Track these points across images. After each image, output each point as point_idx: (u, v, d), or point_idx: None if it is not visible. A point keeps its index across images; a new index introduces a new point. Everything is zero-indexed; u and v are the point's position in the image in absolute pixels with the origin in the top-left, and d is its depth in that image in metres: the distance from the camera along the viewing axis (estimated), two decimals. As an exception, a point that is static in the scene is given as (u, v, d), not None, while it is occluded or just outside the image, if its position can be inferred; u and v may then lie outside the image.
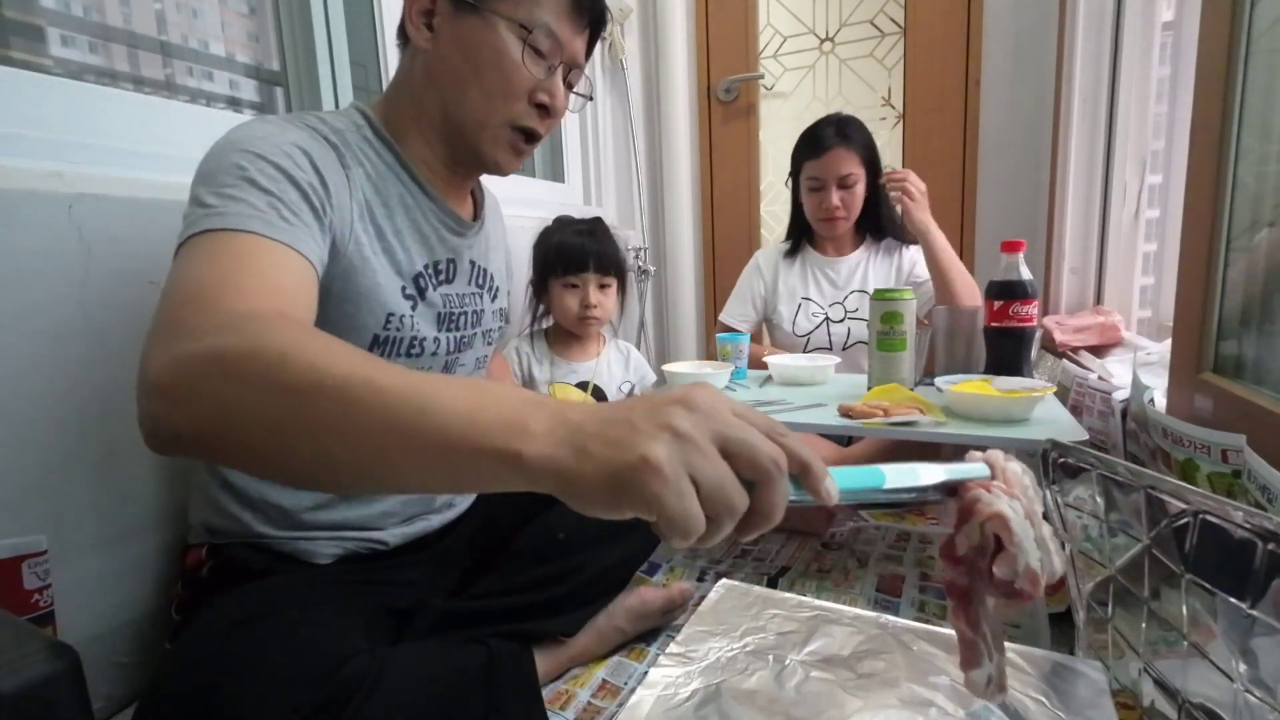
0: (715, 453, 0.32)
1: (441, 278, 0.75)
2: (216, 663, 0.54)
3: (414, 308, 0.72)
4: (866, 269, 1.49)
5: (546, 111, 0.70)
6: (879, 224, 1.49)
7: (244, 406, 0.37)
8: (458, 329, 0.78)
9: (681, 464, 0.31)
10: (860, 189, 1.41)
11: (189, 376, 0.39)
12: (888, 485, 0.40)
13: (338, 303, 0.64)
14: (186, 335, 0.41)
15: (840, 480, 0.36)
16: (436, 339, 0.74)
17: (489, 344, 0.86)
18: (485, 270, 0.82)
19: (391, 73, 1.23)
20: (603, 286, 1.29)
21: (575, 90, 0.75)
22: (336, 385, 0.35)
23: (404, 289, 0.70)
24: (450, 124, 0.70)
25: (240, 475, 0.69)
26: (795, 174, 1.47)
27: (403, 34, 0.71)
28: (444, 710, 0.60)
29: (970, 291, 1.30)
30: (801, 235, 1.55)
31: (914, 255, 1.51)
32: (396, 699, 0.56)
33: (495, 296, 0.85)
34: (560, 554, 0.80)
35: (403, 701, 0.57)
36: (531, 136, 0.71)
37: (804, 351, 1.48)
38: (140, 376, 0.41)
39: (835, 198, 1.39)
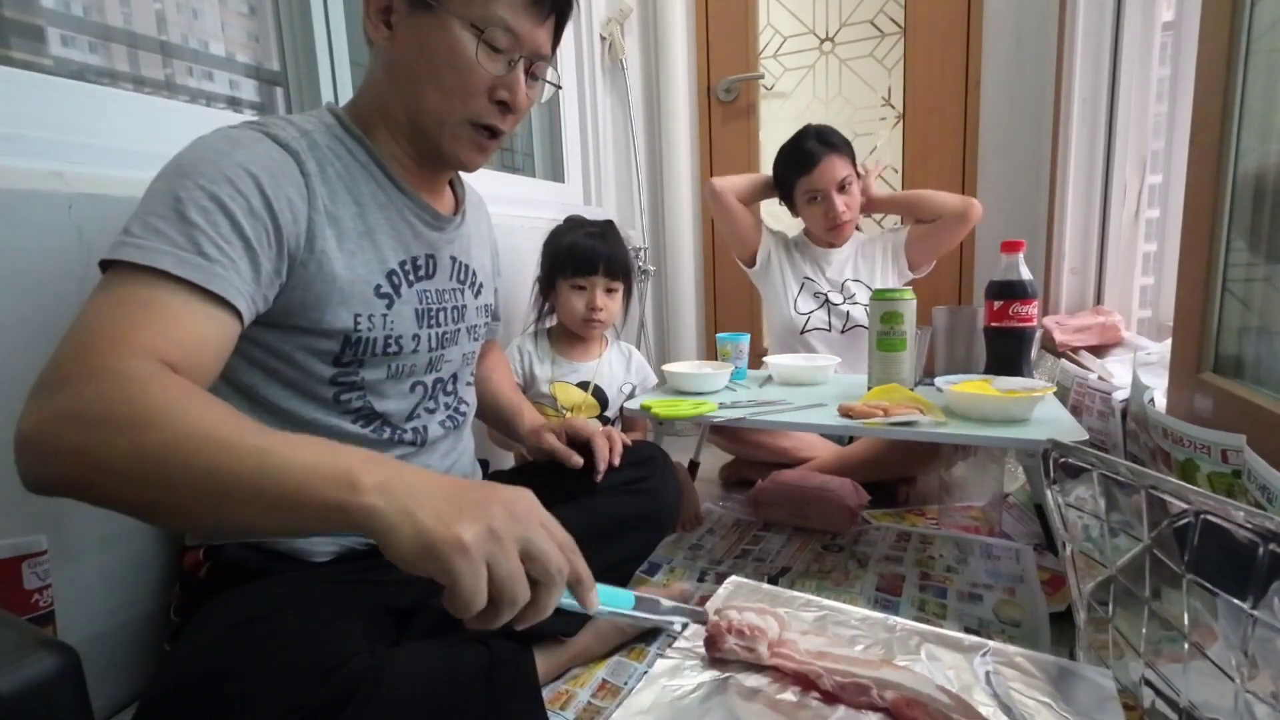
0: (515, 553, 0.41)
1: (420, 273, 0.74)
2: (216, 664, 0.54)
3: (390, 305, 0.71)
4: (857, 259, 1.53)
5: (508, 108, 0.69)
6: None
7: (100, 465, 0.42)
8: (438, 325, 0.77)
9: (486, 553, 0.39)
10: (855, 189, 1.44)
11: (51, 434, 0.43)
12: (633, 609, 0.52)
13: (303, 310, 0.64)
14: (57, 390, 0.44)
15: (602, 596, 0.48)
16: (416, 336, 0.73)
17: (475, 340, 0.85)
18: (467, 266, 0.81)
19: (391, 73, 1.24)
20: (609, 290, 1.29)
21: (544, 79, 0.74)
22: (182, 445, 0.41)
23: (378, 287, 0.69)
24: (412, 122, 0.70)
25: None
26: (788, 191, 1.49)
27: (368, 36, 0.70)
28: (444, 710, 0.60)
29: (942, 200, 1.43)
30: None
31: (896, 233, 1.54)
32: (396, 699, 0.56)
33: (479, 292, 0.84)
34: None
35: (402, 702, 0.57)
36: (494, 133, 0.71)
37: (803, 332, 1.50)
38: (17, 426, 0.44)
39: (840, 203, 1.41)
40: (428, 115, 0.68)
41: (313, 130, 0.66)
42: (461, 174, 0.83)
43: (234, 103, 1.09)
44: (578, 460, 0.89)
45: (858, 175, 1.46)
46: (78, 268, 0.70)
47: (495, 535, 0.40)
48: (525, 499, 0.43)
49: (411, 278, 0.73)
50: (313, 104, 1.17)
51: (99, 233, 0.71)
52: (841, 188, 1.41)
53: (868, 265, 1.51)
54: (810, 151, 1.41)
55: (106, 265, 0.54)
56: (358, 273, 0.68)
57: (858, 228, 1.56)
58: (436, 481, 0.43)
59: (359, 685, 0.54)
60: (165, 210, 0.54)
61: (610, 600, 0.50)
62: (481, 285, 0.85)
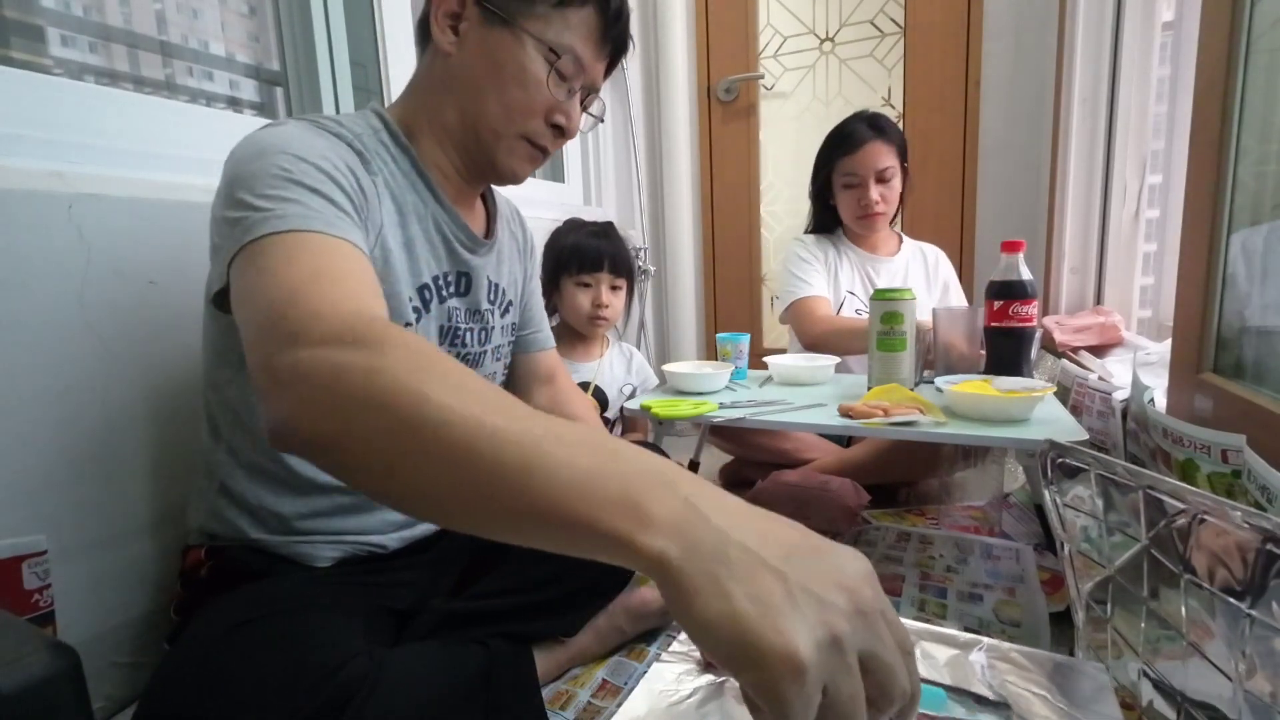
0: (858, 670, 0.28)
1: (450, 290, 0.74)
2: (215, 665, 0.54)
3: (418, 319, 0.71)
4: (908, 272, 1.47)
5: (560, 132, 0.71)
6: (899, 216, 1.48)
7: (361, 427, 0.35)
8: (463, 345, 0.76)
9: (826, 676, 0.27)
10: (897, 183, 1.38)
11: (315, 383, 0.37)
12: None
13: None
14: (305, 340, 0.39)
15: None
16: None
17: (499, 360, 0.85)
18: (498, 285, 0.81)
19: (391, 74, 1.24)
20: (614, 288, 1.30)
21: (588, 111, 0.76)
22: (449, 424, 0.33)
23: (410, 299, 0.70)
24: (467, 130, 0.70)
25: (239, 482, 0.68)
26: (826, 173, 1.43)
27: (424, 32, 0.70)
28: (443, 711, 0.60)
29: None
30: (830, 230, 1.51)
31: (937, 255, 1.51)
32: (395, 701, 0.56)
33: (506, 311, 0.84)
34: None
35: (402, 703, 0.57)
36: (545, 152, 0.72)
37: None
38: (266, 378, 0.40)
39: (875, 193, 1.36)
40: (485, 125, 0.69)
41: (362, 134, 0.66)
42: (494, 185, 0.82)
43: (234, 103, 1.10)
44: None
45: (904, 171, 1.40)
46: (78, 268, 0.70)
47: (840, 647, 0.28)
48: (867, 575, 0.31)
49: (444, 293, 0.73)
50: (313, 104, 1.17)
51: (99, 233, 0.71)
52: (881, 178, 1.36)
53: (918, 284, 1.44)
54: (856, 134, 1.36)
55: (242, 247, 0.50)
56: (395, 280, 0.67)
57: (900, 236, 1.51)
58: (755, 529, 0.30)
59: (358, 687, 0.54)
60: (281, 182, 0.53)
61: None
62: (510, 304, 0.84)
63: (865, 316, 1.41)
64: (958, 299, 1.48)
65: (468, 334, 0.77)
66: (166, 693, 0.54)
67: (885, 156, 1.35)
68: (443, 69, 0.69)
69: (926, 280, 1.47)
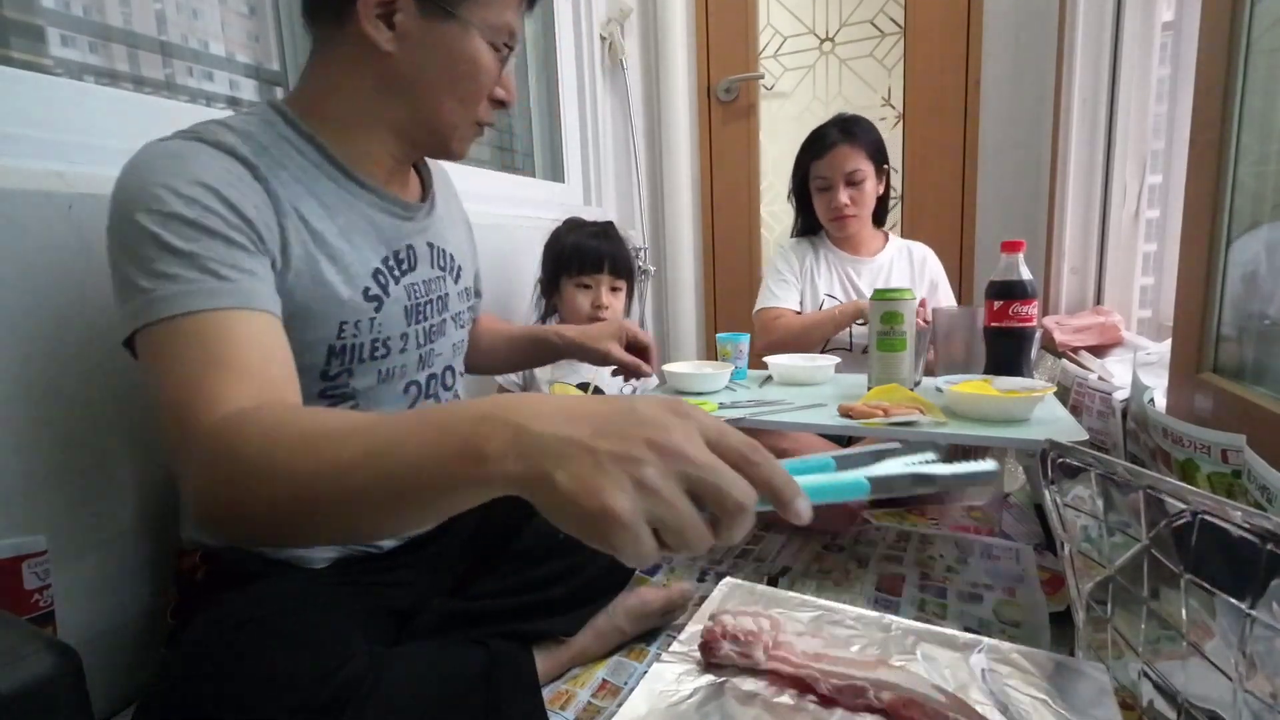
0: (681, 498, 0.33)
1: (404, 267, 0.71)
2: (214, 667, 0.54)
3: (379, 308, 0.68)
4: (891, 271, 1.48)
5: (502, 106, 0.72)
6: (885, 217, 1.51)
7: (269, 519, 0.43)
8: (426, 318, 0.74)
9: (643, 514, 0.32)
10: (869, 186, 1.40)
11: (219, 504, 0.44)
12: (870, 494, 0.41)
13: (285, 327, 0.60)
14: (187, 470, 0.46)
15: (816, 494, 0.38)
16: (404, 334, 0.71)
17: (461, 327, 0.83)
18: (445, 251, 0.78)
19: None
20: (614, 289, 1.30)
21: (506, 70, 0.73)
22: (325, 477, 0.39)
23: (366, 290, 0.66)
24: (418, 125, 0.68)
25: None
26: (802, 178, 1.46)
27: (323, 16, 0.64)
28: (443, 711, 0.60)
29: None
30: (813, 232, 1.53)
31: (924, 253, 1.51)
32: (395, 701, 0.56)
33: (459, 277, 0.81)
34: (560, 554, 0.80)
35: (402, 703, 0.57)
36: (487, 127, 0.73)
37: (822, 350, 1.47)
38: (184, 487, 0.47)
39: (844, 195, 1.38)
40: (444, 121, 0.68)
41: (254, 131, 0.61)
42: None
43: (234, 103, 1.09)
44: (647, 371, 0.93)
45: (880, 175, 1.41)
46: (78, 268, 0.70)
47: (648, 489, 0.32)
48: (681, 413, 0.35)
49: (397, 273, 0.70)
50: (313, 104, 1.17)
51: (99, 233, 0.70)
52: (850, 180, 1.37)
53: (903, 283, 1.45)
54: (826, 137, 1.38)
55: (135, 331, 0.52)
56: (344, 277, 0.65)
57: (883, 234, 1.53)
58: (566, 417, 0.35)
59: (358, 686, 0.54)
60: (155, 251, 0.52)
61: (829, 495, 0.40)
62: (460, 269, 0.81)
63: (806, 314, 1.46)
64: (946, 297, 1.48)
65: (427, 306, 0.74)
66: (166, 696, 0.54)
67: (854, 159, 1.37)
68: (378, 65, 0.63)
69: (912, 279, 1.47)
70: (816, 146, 1.40)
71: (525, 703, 0.68)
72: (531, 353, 1.01)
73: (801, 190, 1.48)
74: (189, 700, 0.52)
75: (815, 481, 0.40)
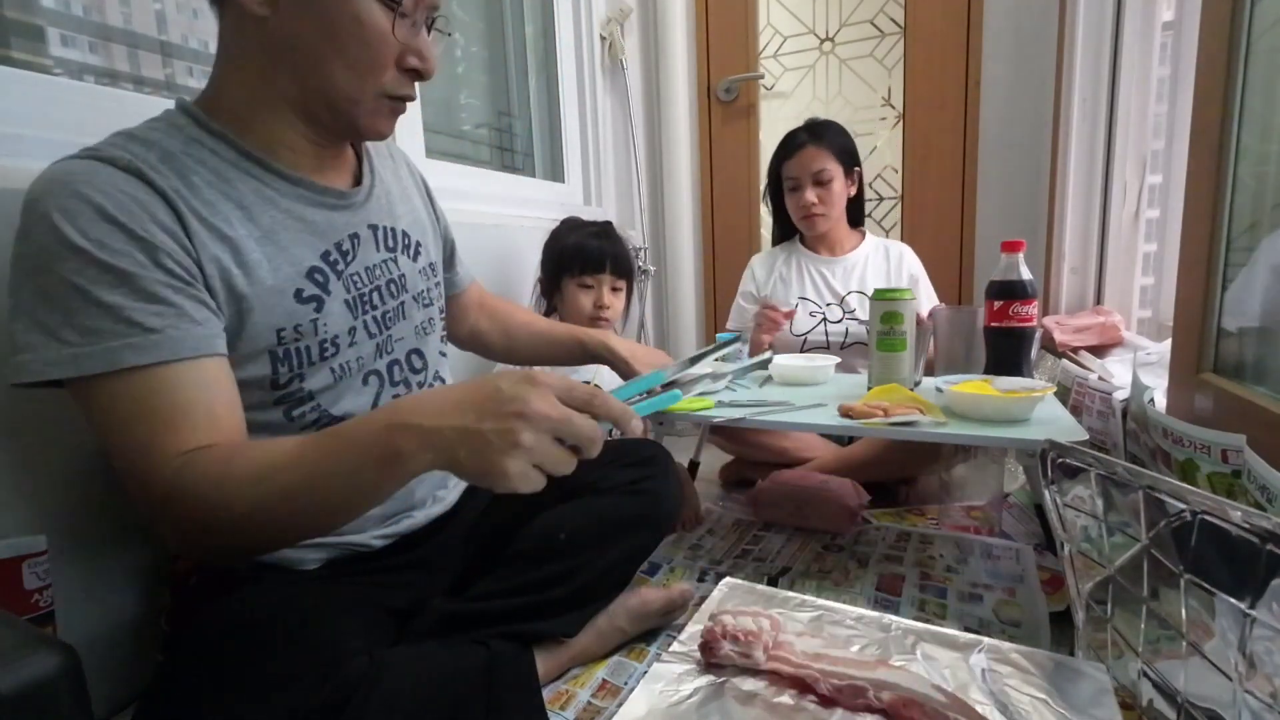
0: (549, 445, 0.47)
1: (344, 261, 0.67)
2: (210, 671, 0.54)
3: (319, 307, 0.64)
4: (865, 269, 1.50)
5: (418, 75, 0.64)
6: (861, 217, 1.55)
7: (233, 540, 0.53)
8: (374, 306, 0.70)
9: (530, 459, 0.46)
10: (837, 186, 1.43)
11: (187, 537, 0.54)
12: (667, 378, 0.57)
13: (228, 342, 0.59)
14: (155, 512, 0.53)
15: (641, 410, 0.53)
16: (352, 329, 0.68)
17: (428, 305, 0.79)
18: (392, 229, 0.74)
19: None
20: (615, 289, 1.30)
21: (435, 28, 0.67)
22: (273, 502, 0.50)
23: (300, 291, 0.63)
24: (315, 101, 0.62)
25: None
26: (776, 181, 1.50)
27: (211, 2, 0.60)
28: (443, 711, 0.60)
29: None
30: (790, 236, 1.57)
31: (901, 250, 1.52)
32: (395, 700, 0.56)
33: (417, 254, 0.76)
34: (561, 554, 0.79)
35: (401, 703, 0.57)
36: (406, 100, 0.66)
37: (801, 351, 1.48)
38: (153, 525, 0.55)
39: (811, 194, 1.41)
40: (339, 93, 0.61)
41: (160, 140, 0.58)
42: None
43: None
44: None
45: (849, 176, 1.44)
46: (78, 268, 0.70)
47: (527, 448, 0.46)
48: (532, 390, 0.47)
49: (339, 267, 0.67)
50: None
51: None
52: (818, 180, 1.41)
53: (878, 280, 1.48)
54: (794, 139, 1.43)
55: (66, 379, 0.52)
56: (269, 283, 0.61)
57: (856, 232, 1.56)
58: (454, 409, 0.48)
59: (357, 686, 0.54)
60: (79, 304, 0.51)
61: (648, 406, 0.55)
62: (418, 244, 0.77)
63: (816, 319, 1.48)
64: (927, 293, 1.49)
65: (375, 294, 0.70)
66: (162, 701, 0.54)
67: (820, 160, 1.40)
68: (259, 35, 0.59)
69: (888, 276, 1.49)
70: (786, 148, 1.44)
71: (525, 703, 0.68)
72: (578, 357, 1.02)
73: (776, 194, 1.52)
74: (186, 705, 0.52)
75: (641, 402, 0.55)
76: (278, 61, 0.60)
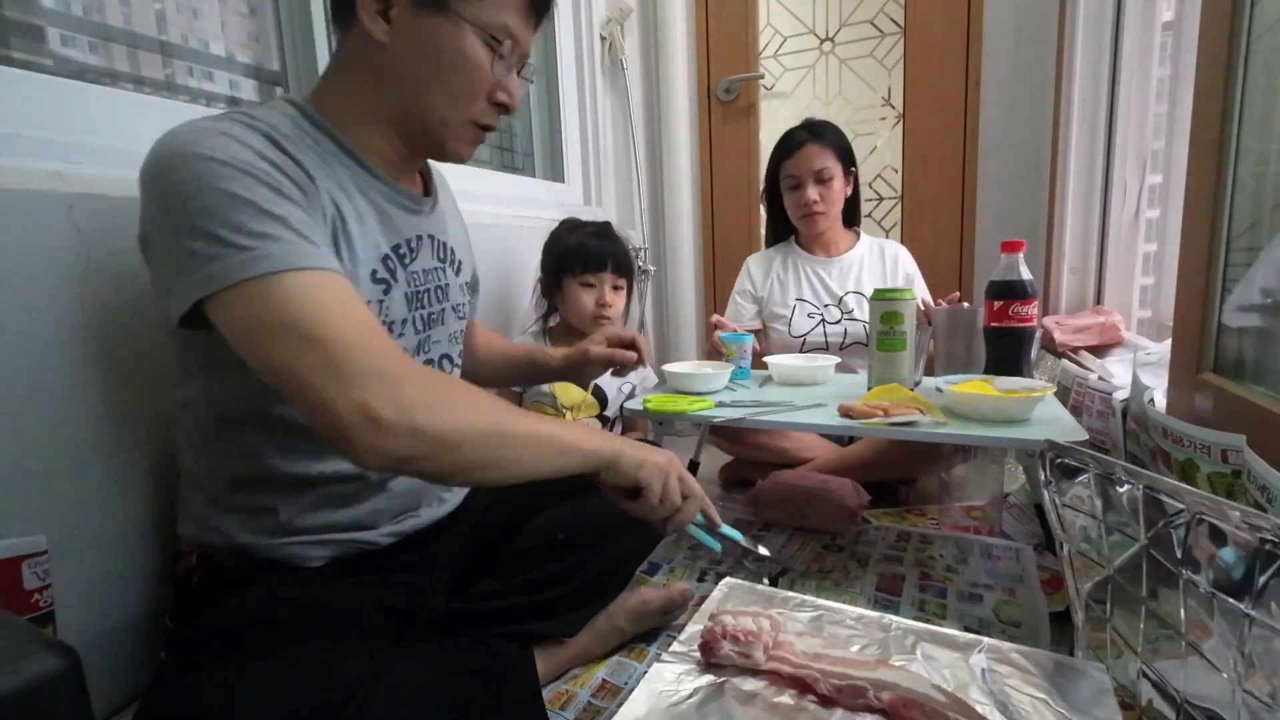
0: (676, 481, 0.67)
1: (409, 257, 0.73)
2: (214, 668, 0.54)
3: (386, 291, 0.69)
4: (861, 269, 1.50)
5: (505, 109, 0.72)
6: (857, 217, 1.55)
7: (474, 455, 0.56)
8: (424, 306, 0.76)
9: (667, 470, 0.66)
10: (837, 185, 1.43)
11: (429, 438, 0.54)
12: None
13: None
14: (392, 399, 0.52)
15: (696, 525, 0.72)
16: (405, 319, 0.73)
17: (460, 318, 0.84)
18: (445, 244, 0.80)
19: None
20: (616, 288, 1.30)
21: (521, 75, 0.74)
22: (529, 435, 0.60)
23: (374, 273, 0.68)
24: (412, 121, 0.69)
25: (224, 492, 0.68)
26: (773, 180, 1.50)
27: (341, 17, 0.67)
28: (444, 712, 0.60)
29: None
30: (785, 237, 1.57)
31: (896, 249, 1.52)
32: (395, 701, 0.56)
33: (459, 270, 0.83)
34: (560, 554, 0.80)
35: (402, 703, 0.57)
36: (490, 129, 0.73)
37: (800, 352, 1.48)
38: (361, 419, 0.51)
39: (813, 193, 1.41)
40: (432, 115, 0.68)
41: (276, 122, 0.63)
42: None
43: (234, 103, 1.10)
44: (633, 356, 0.96)
45: (847, 175, 1.45)
46: (78, 268, 0.70)
47: (665, 470, 0.66)
48: (674, 458, 0.68)
49: (406, 260, 0.73)
50: (313, 104, 1.17)
51: (99, 233, 0.71)
52: (819, 178, 1.41)
53: (874, 280, 1.48)
54: (794, 137, 1.43)
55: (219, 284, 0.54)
56: (360, 256, 0.66)
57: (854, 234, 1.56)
58: (632, 444, 0.66)
59: (357, 686, 0.54)
60: (249, 215, 0.54)
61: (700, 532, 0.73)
62: (460, 263, 0.83)
63: (814, 321, 1.48)
64: (922, 292, 1.49)
65: (426, 295, 0.76)
66: (165, 698, 0.54)
67: (821, 158, 1.40)
68: (375, 58, 0.66)
69: (884, 276, 1.49)
70: (786, 146, 1.44)
71: (526, 703, 0.68)
72: (529, 373, 1.05)
73: (773, 193, 1.51)
74: (188, 704, 0.52)
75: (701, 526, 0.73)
76: (386, 81, 0.67)
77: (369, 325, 0.56)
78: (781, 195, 1.49)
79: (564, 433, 0.62)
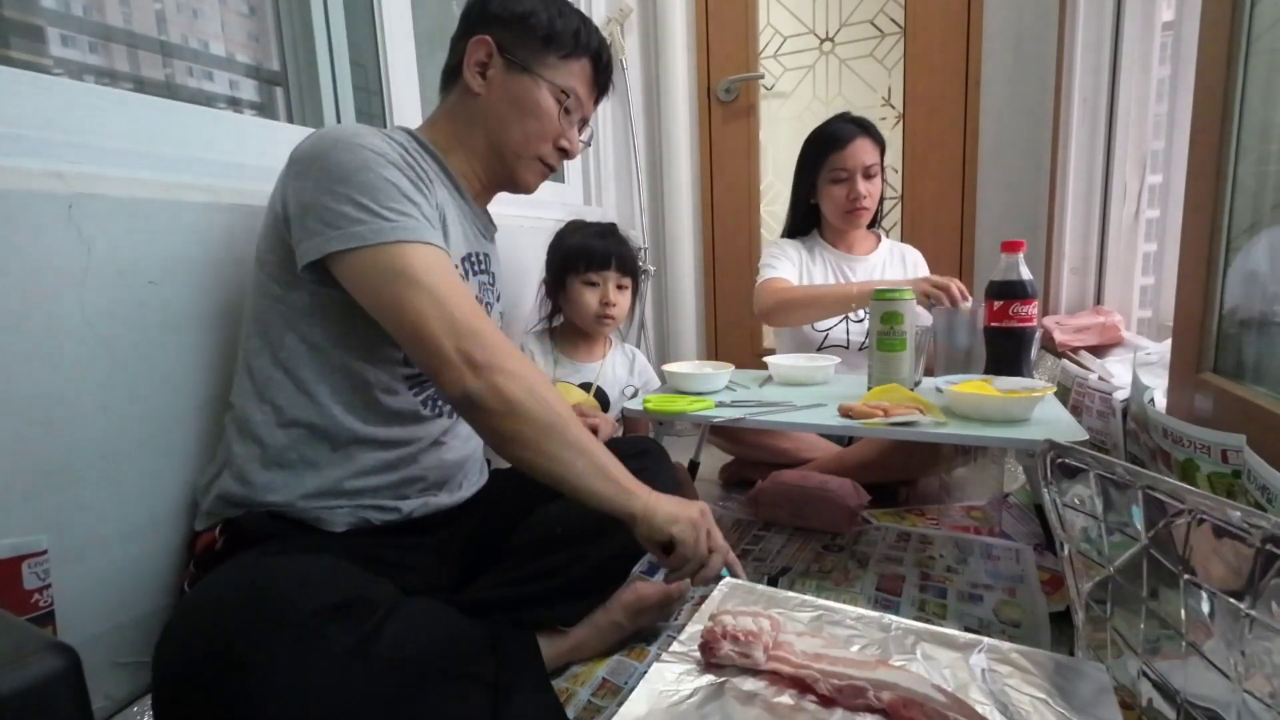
0: (705, 535, 0.72)
1: (479, 268, 0.89)
2: (242, 577, 0.56)
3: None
4: (884, 271, 1.49)
5: (564, 153, 0.90)
6: (879, 219, 1.54)
7: (531, 420, 0.67)
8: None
9: (700, 526, 0.72)
10: (879, 182, 1.42)
11: (501, 395, 0.66)
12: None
13: None
14: (497, 365, 0.67)
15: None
16: None
17: None
18: (495, 274, 0.95)
19: (391, 73, 1.24)
20: (620, 287, 1.30)
21: (580, 136, 0.93)
22: (576, 440, 0.69)
23: (458, 268, 0.80)
24: (493, 152, 0.86)
25: (276, 438, 0.74)
26: (812, 171, 1.46)
27: (450, 76, 0.87)
28: (459, 653, 0.63)
29: None
30: (805, 230, 1.54)
31: (916, 256, 1.52)
32: (418, 628, 0.60)
33: (498, 298, 0.96)
34: (557, 547, 0.82)
35: (424, 633, 0.60)
36: (552, 168, 0.91)
37: (819, 348, 1.47)
38: (473, 374, 0.66)
39: (862, 187, 1.40)
40: (509, 149, 0.86)
41: (403, 140, 0.77)
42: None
43: (234, 103, 1.10)
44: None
45: (884, 171, 1.44)
46: (78, 268, 0.70)
47: (697, 526, 0.71)
48: (704, 511, 0.74)
49: (475, 269, 0.88)
50: (313, 104, 1.17)
51: (99, 233, 0.71)
52: (867, 174, 1.40)
53: (895, 278, 1.47)
54: (844, 131, 1.40)
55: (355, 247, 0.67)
56: (451, 251, 0.76)
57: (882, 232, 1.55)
58: (666, 500, 0.72)
59: (384, 606, 0.58)
60: (395, 197, 0.69)
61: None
62: (500, 294, 0.98)
63: (839, 317, 1.45)
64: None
65: (484, 306, 0.88)
66: (192, 607, 0.56)
67: (871, 153, 1.40)
68: (472, 105, 0.84)
69: (904, 279, 1.48)
70: (836, 140, 1.40)
71: (531, 672, 0.72)
72: None
73: (806, 185, 1.48)
74: (211, 613, 0.53)
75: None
76: (478, 122, 0.85)
77: (472, 296, 0.70)
78: (817, 187, 1.46)
79: (613, 464, 0.70)
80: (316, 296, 0.72)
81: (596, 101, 0.93)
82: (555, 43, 0.83)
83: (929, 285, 1.22)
